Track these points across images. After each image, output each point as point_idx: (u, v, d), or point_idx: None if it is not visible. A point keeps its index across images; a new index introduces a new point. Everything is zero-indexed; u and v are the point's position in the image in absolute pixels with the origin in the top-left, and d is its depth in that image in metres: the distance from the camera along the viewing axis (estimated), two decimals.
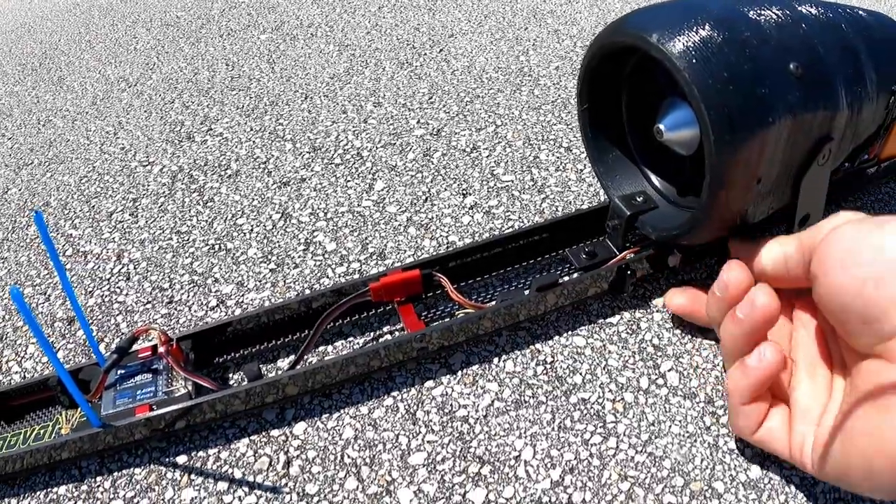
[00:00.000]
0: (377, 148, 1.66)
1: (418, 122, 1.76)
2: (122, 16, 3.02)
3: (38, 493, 1.00)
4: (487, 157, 1.59)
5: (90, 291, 1.36)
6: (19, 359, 1.24)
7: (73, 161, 1.85)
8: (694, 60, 0.83)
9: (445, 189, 1.49)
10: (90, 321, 1.29)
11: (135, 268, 1.39)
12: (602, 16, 2.37)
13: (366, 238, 1.37)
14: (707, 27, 0.86)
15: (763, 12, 0.95)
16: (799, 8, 1.01)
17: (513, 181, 1.50)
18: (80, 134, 1.99)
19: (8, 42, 3.01)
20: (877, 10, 1.25)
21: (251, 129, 1.82)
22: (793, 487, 0.92)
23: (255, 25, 2.61)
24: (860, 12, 1.14)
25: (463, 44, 2.19)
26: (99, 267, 1.42)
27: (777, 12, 0.96)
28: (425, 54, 2.14)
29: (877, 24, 1.15)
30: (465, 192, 1.48)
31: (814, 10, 1.03)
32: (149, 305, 1.29)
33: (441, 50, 2.16)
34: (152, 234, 1.48)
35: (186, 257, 1.39)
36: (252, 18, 2.69)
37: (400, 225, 1.40)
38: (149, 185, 1.66)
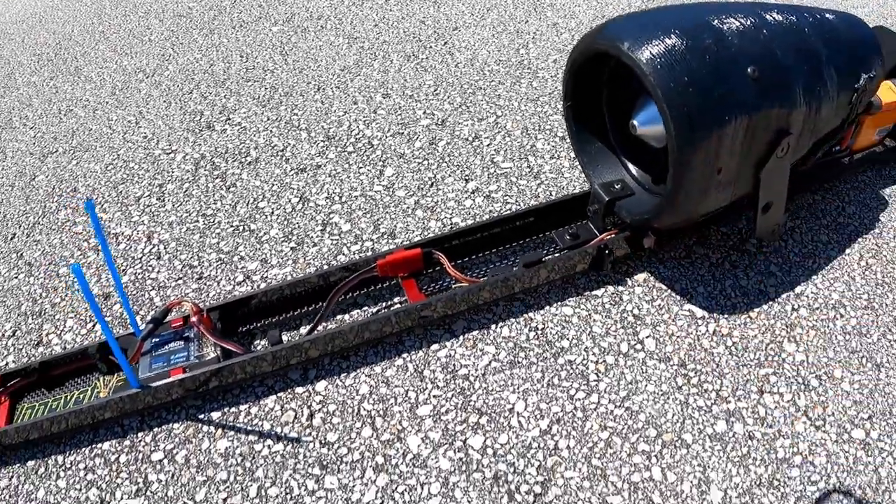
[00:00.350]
0: (386, 137, 1.82)
1: (424, 112, 1.91)
2: (133, 6, 3.16)
3: (83, 448, 1.16)
4: (488, 145, 1.74)
5: (123, 270, 1.52)
6: (59, 332, 1.40)
7: (97, 149, 2.00)
8: (659, 66, 0.98)
9: (449, 175, 1.65)
10: (128, 297, 1.45)
11: (164, 248, 1.55)
12: (600, 9, 2.51)
13: (378, 219, 1.53)
14: (673, 36, 1.01)
15: (727, 20, 1.09)
16: (764, 15, 1.16)
17: (511, 168, 1.65)
18: (103, 123, 2.14)
19: (20, 32, 3.15)
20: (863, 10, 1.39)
21: (268, 119, 1.98)
22: (755, 442, 1.08)
23: (266, 17, 2.75)
24: (828, 15, 1.28)
25: (466, 37, 2.34)
26: (130, 247, 1.58)
27: (741, 20, 1.11)
28: (431, 47, 2.29)
29: (843, 26, 1.28)
30: (467, 178, 1.63)
31: (778, 17, 1.17)
32: (180, 281, 1.45)
33: (445, 43, 2.30)
34: (179, 217, 1.64)
35: (213, 238, 1.55)
36: (263, 10, 2.83)
37: (408, 207, 1.56)
38: (173, 172, 1.82)
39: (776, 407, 1.15)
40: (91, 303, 0.99)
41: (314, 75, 2.19)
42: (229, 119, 2.01)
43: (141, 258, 1.54)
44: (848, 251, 1.46)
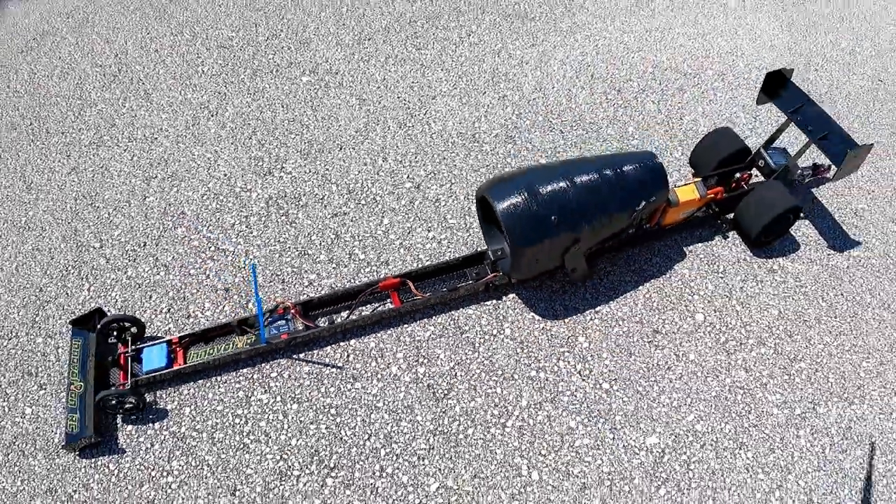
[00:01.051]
0: (385, 195, 3.53)
1: (407, 177, 3.62)
2: (178, 24, 4.55)
3: (231, 373, 2.90)
4: (444, 206, 3.47)
5: (235, 274, 3.26)
6: (200, 311, 3.13)
7: (190, 180, 3.63)
8: (507, 215, 2.69)
9: (419, 227, 3.38)
10: (239, 292, 3.19)
11: (258, 262, 3.29)
12: (542, 78, 4.15)
13: (379, 253, 3.27)
14: (514, 198, 2.71)
15: (550, 185, 2.77)
16: (575, 179, 2.81)
17: (455, 223, 3.39)
18: (187, 157, 3.74)
19: (69, 28, 4.51)
20: None
21: (309, 171, 3.65)
22: (548, 382, 2.86)
23: (296, 64, 4.27)
24: (626, 167, 2.90)
25: (440, 106, 3.98)
26: (235, 260, 3.30)
27: (557, 184, 2.77)
28: (415, 115, 3.93)
29: (635, 171, 2.90)
30: (429, 229, 3.38)
31: (585, 178, 2.81)
32: (271, 284, 3.20)
33: (426, 112, 3.95)
34: (263, 242, 3.36)
35: (287, 257, 3.29)
36: (292, 55, 4.33)
37: (396, 247, 3.30)
38: (252, 207, 3.51)
39: (564, 367, 2.88)
40: (258, 301, 2.77)
41: (337, 134, 3.85)
42: (283, 168, 3.69)
43: (243, 268, 3.28)
44: (640, 287, 3.14)
